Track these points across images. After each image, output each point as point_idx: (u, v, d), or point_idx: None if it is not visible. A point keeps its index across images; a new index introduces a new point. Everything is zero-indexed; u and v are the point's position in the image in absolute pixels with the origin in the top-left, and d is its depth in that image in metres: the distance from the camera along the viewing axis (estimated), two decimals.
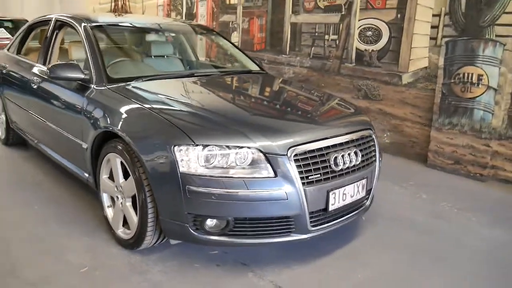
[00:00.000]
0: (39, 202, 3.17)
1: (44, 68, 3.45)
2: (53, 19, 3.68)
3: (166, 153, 2.17)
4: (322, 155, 2.32)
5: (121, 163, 2.47)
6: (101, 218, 2.85)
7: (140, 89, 2.78)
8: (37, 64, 3.62)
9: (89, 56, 2.99)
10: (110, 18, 3.84)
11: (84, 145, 2.78)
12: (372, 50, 4.71)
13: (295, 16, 5.48)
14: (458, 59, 3.95)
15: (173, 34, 3.92)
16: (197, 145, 2.15)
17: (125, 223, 2.57)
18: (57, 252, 2.53)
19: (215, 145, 2.16)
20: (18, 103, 3.86)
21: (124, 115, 2.48)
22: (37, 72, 3.51)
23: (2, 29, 8.54)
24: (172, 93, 2.77)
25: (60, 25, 3.61)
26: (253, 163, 2.17)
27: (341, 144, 2.42)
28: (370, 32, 4.71)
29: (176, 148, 2.15)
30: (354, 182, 2.44)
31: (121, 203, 2.52)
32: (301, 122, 2.52)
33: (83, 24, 3.25)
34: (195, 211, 2.16)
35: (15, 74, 3.95)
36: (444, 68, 4.06)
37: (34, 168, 3.87)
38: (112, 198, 2.68)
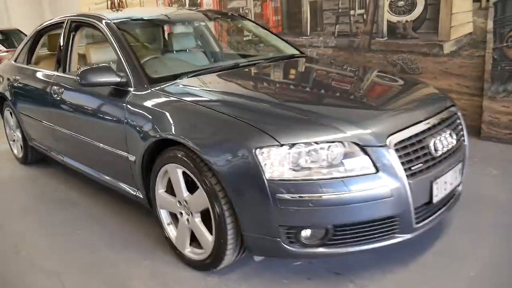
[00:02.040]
0: (80, 224, 2.85)
1: (67, 76, 3.10)
2: (67, 20, 3.31)
3: (245, 158, 1.85)
4: (420, 141, 2.01)
5: (184, 173, 2.15)
6: (157, 237, 2.54)
7: (190, 87, 2.44)
8: (56, 73, 3.26)
9: (121, 56, 2.64)
10: (127, 13, 3.46)
11: (131, 158, 2.45)
12: (406, 21, 4.38)
13: None
14: (510, 20, 3.63)
15: (200, 23, 3.56)
16: (282, 145, 1.83)
17: (192, 241, 2.26)
18: (119, 281, 2.22)
19: (303, 142, 1.84)
20: (37, 117, 3.51)
21: (183, 119, 2.15)
22: (58, 81, 3.15)
23: None
24: (228, 88, 2.44)
25: (76, 26, 3.24)
26: (349, 159, 1.85)
27: (434, 126, 2.11)
28: (402, 2, 4.37)
29: (258, 151, 1.83)
30: (452, 167, 2.14)
31: (187, 219, 2.20)
32: (388, 107, 2.21)
33: (105, 21, 2.89)
34: (288, 222, 1.85)
35: (30, 86, 3.59)
36: (494, 31, 3.73)
37: (64, 185, 3.54)
38: (172, 214, 2.36)
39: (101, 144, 2.69)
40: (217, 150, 1.94)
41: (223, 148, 1.93)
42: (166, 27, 3.72)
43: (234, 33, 4.64)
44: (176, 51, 3.23)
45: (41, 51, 4.03)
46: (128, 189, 2.64)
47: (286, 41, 3.47)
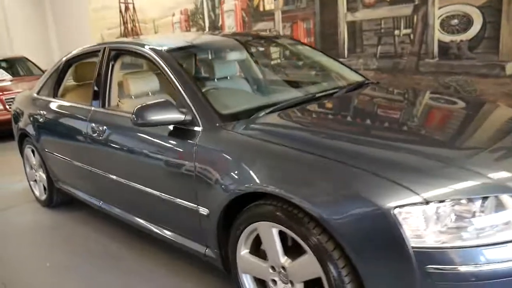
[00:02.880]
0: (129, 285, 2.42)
1: (111, 112, 2.72)
2: (105, 48, 2.93)
3: (379, 219, 1.46)
4: None
5: (280, 233, 1.75)
6: None
7: (276, 125, 2.06)
8: (93, 108, 2.87)
9: (181, 89, 2.26)
10: (171, 40, 3.09)
11: (203, 211, 2.04)
12: (461, 41, 4.06)
13: (351, 13, 4.81)
14: None
15: (259, 49, 3.20)
16: (428, 202, 1.44)
17: None
18: None
19: (453, 198, 1.46)
20: (68, 157, 3.10)
21: (281, 168, 1.74)
22: (99, 118, 2.76)
23: (0, 69, 7.71)
24: (323, 126, 2.06)
25: (116, 54, 2.87)
26: (508, 217, 1.46)
27: None
28: (455, 20, 4.06)
29: (397, 211, 1.44)
30: None
31: None
32: None
33: (155, 49, 2.52)
34: None
35: (60, 122, 3.19)
36: None
37: (99, 234, 3.10)
38: (257, 280, 1.95)
39: (160, 193, 2.28)
40: (336, 208, 1.54)
41: (345, 205, 1.53)
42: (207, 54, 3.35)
43: (288, 58, 4.26)
44: (230, 80, 2.85)
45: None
46: (195, 246, 2.22)
47: (348, 67, 3.12)
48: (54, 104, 3.36)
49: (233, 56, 2.88)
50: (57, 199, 3.65)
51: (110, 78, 2.86)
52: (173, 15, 7.02)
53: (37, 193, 3.83)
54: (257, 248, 1.92)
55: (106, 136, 2.63)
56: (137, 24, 7.48)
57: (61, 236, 3.20)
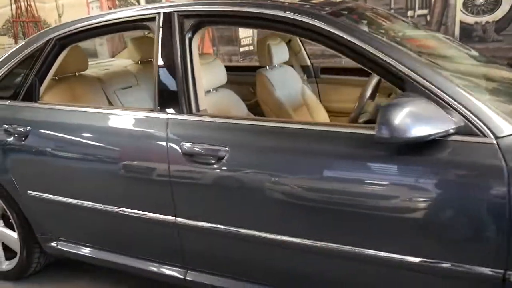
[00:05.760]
0: None
1: (241, 122, 1.63)
2: (168, 14, 1.75)
3: None
4: None
5: None
6: None
7: None
8: (169, 115, 1.69)
9: (421, 79, 1.33)
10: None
11: None
12: (487, 22, 3.80)
13: None
14: None
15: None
16: None
17: None
18: None
19: None
20: (108, 203, 1.83)
21: None
22: (204, 132, 1.62)
23: None
24: None
25: (198, 25, 1.73)
26: None
27: None
28: (481, 0, 3.78)
29: None
30: None
31: None
32: None
33: (314, 14, 1.53)
34: None
35: (76, 146, 1.88)
36: None
37: None
38: None
39: (404, 257, 1.34)
40: None
41: None
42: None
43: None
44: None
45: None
46: None
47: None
48: (46, 113, 1.99)
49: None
50: (37, 266, 2.27)
51: (191, 65, 1.72)
52: None
53: None
54: None
55: (241, 164, 1.53)
56: (32, 3, 5.63)
57: None
